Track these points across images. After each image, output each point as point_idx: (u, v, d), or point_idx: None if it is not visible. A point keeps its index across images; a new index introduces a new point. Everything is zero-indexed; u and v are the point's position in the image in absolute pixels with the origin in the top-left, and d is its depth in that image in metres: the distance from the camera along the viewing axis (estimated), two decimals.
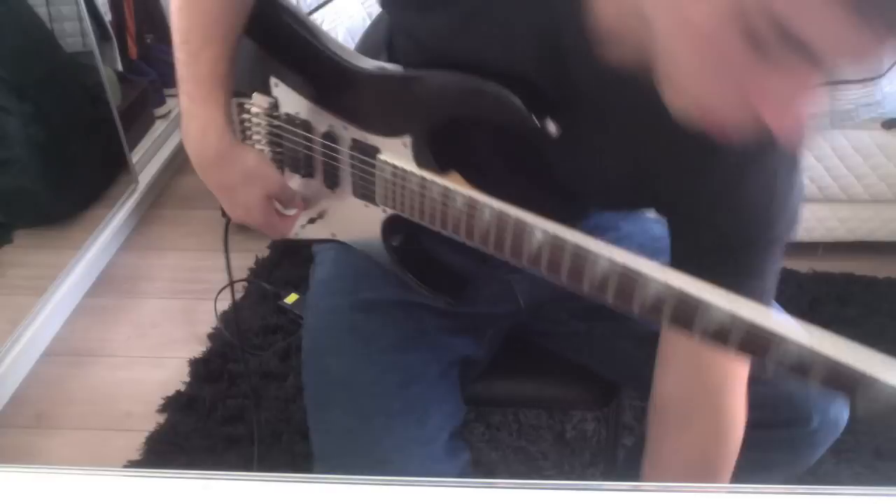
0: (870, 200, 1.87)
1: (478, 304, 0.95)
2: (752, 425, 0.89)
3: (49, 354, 1.82)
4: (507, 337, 1.03)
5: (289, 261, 2.03)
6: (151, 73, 2.55)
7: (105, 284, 2.04)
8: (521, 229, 0.70)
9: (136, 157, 2.32)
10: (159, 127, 2.53)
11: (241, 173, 0.82)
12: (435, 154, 0.76)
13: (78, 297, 1.98)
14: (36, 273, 1.96)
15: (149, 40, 2.58)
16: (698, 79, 0.57)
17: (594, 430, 1.54)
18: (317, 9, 1.72)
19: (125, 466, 1.52)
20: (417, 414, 0.86)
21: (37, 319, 1.82)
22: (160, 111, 2.58)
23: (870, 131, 1.79)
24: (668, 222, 0.80)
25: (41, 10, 2.11)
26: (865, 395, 0.58)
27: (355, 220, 0.89)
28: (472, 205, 0.73)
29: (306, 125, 0.86)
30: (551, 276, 0.71)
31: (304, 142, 0.87)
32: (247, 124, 0.93)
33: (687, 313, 0.63)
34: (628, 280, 0.65)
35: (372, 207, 0.85)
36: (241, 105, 0.92)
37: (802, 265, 1.92)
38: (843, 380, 0.58)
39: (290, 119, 0.86)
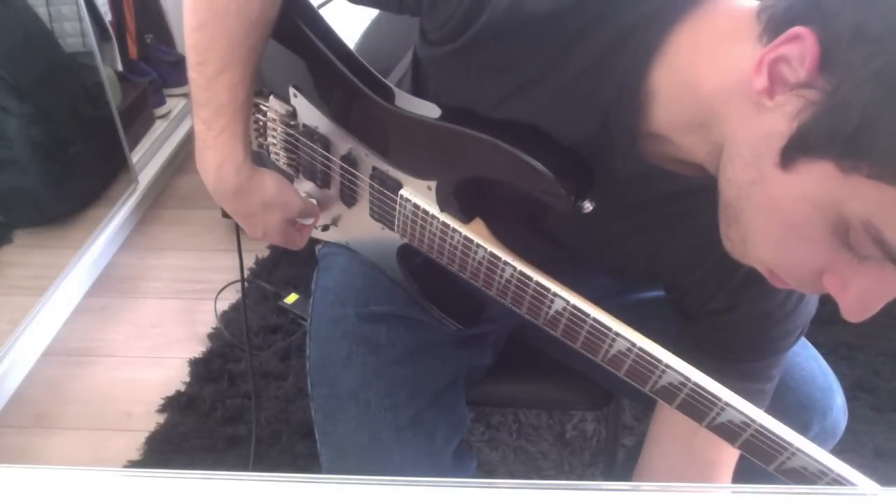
0: None
1: (484, 324, 0.95)
2: None
3: (49, 354, 1.82)
4: (508, 339, 1.03)
5: (289, 261, 2.03)
6: (151, 73, 2.55)
7: (105, 284, 2.04)
8: (541, 294, 0.69)
9: (136, 157, 2.32)
10: (159, 127, 2.53)
11: (261, 203, 0.79)
12: (460, 202, 0.73)
13: (78, 297, 1.97)
14: (36, 273, 1.96)
15: (149, 40, 2.57)
16: (773, 248, 0.55)
17: (594, 430, 1.54)
18: (324, 4, 1.72)
19: (125, 466, 1.52)
20: (427, 427, 0.85)
21: (37, 319, 1.82)
22: (160, 111, 2.58)
23: None
24: (677, 307, 0.80)
25: (41, 10, 2.11)
26: None
27: (371, 237, 0.86)
28: (493, 260, 0.71)
29: (325, 142, 0.83)
30: (565, 340, 0.70)
31: (322, 158, 0.84)
32: (261, 125, 0.91)
33: (700, 408, 0.63)
34: (645, 364, 0.65)
35: (388, 231, 0.83)
36: (256, 105, 0.89)
37: None
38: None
39: (309, 132, 0.83)
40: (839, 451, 1.44)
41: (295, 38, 0.78)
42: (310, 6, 0.79)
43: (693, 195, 0.64)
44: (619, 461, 1.25)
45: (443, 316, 0.89)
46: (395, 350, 0.89)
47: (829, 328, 1.73)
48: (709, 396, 0.62)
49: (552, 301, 0.69)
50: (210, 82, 0.71)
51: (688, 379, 0.63)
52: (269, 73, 0.85)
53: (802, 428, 0.86)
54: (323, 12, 0.88)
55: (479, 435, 1.53)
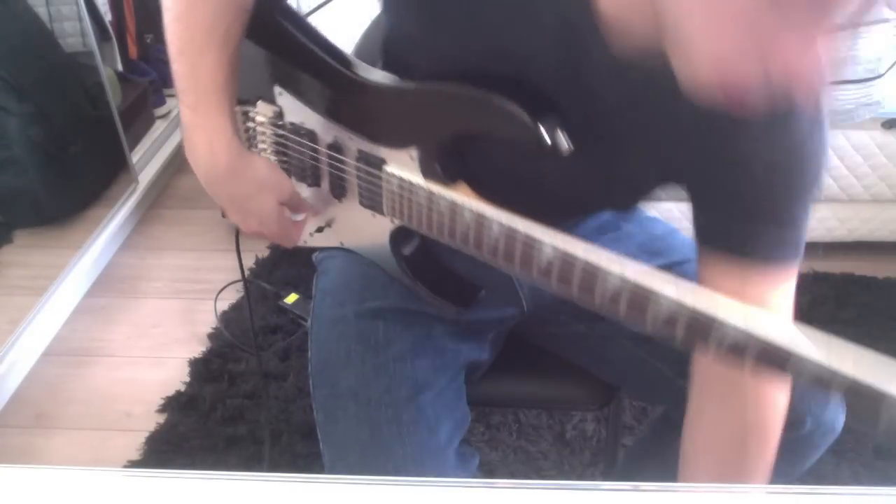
0: (870, 200, 1.87)
1: (483, 311, 0.95)
2: None
3: (49, 354, 1.82)
4: (507, 337, 1.04)
5: (288, 261, 2.03)
6: (151, 73, 2.55)
7: (105, 284, 2.04)
8: (530, 245, 0.70)
9: (136, 157, 2.32)
10: (159, 127, 2.53)
11: (254, 183, 0.80)
12: (442, 166, 0.75)
13: (78, 297, 1.97)
14: (36, 273, 1.96)
15: (149, 40, 2.58)
16: (709, 38, 0.55)
17: (594, 430, 1.54)
18: (316, 9, 1.72)
19: (125, 466, 1.52)
20: (428, 423, 0.85)
21: (37, 319, 1.82)
22: (160, 111, 2.58)
23: (870, 131, 1.79)
24: (692, 196, 0.78)
25: (41, 10, 2.11)
26: (887, 414, 0.57)
27: (363, 229, 0.88)
28: (480, 219, 0.73)
29: (312, 135, 0.85)
30: (561, 290, 0.70)
31: (311, 152, 0.86)
32: (251, 133, 0.92)
33: (701, 330, 0.62)
34: (640, 297, 0.64)
35: (379, 217, 0.85)
36: (245, 113, 0.91)
37: (802, 265, 1.91)
38: (864, 398, 0.58)
39: (296, 129, 0.86)
40: (840, 451, 1.44)
41: (275, 34, 0.82)
42: (286, 5, 0.83)
43: (667, 92, 0.63)
44: (619, 461, 1.25)
45: (438, 299, 0.89)
46: (393, 346, 0.89)
47: (828, 328, 1.72)
48: (706, 318, 0.61)
49: (541, 249, 0.69)
50: (191, 68, 0.75)
51: (683, 303, 0.62)
52: (254, 79, 0.87)
53: (797, 422, 0.86)
54: (324, 13, 0.91)
55: (479, 435, 1.53)
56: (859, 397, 0.59)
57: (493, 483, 0.53)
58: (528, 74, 0.68)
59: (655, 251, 0.96)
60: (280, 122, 0.87)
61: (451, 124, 0.73)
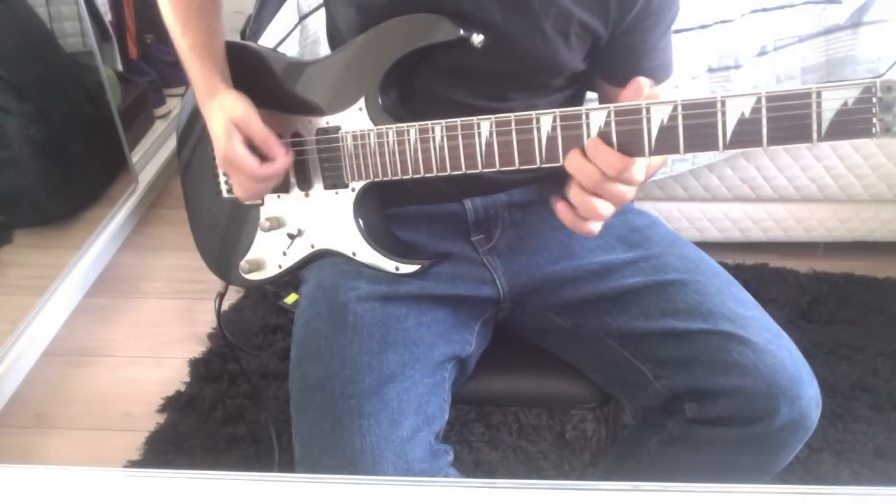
0: (870, 200, 1.87)
1: (457, 284, 0.96)
2: (714, 423, 0.89)
3: (49, 354, 1.82)
4: (499, 335, 1.04)
5: None
6: (151, 73, 2.55)
7: (105, 284, 2.04)
8: (469, 128, 0.81)
9: (136, 157, 2.32)
10: (159, 127, 2.53)
11: (217, 105, 0.90)
12: (385, 107, 0.88)
13: (78, 297, 1.98)
14: (36, 273, 1.96)
15: (149, 40, 2.58)
16: None
17: (594, 430, 1.54)
18: (316, 9, 1.72)
19: (125, 466, 1.52)
20: (392, 415, 0.86)
21: (37, 319, 1.82)
22: (160, 111, 2.58)
23: None
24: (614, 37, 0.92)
25: (41, 10, 2.11)
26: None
27: (329, 216, 0.94)
28: (423, 132, 0.84)
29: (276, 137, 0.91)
30: (506, 157, 0.80)
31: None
32: (223, 171, 0.99)
33: (635, 128, 0.74)
34: (573, 123, 0.76)
35: (342, 193, 0.93)
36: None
37: (802, 265, 1.92)
38: (784, 100, 0.70)
39: None
40: (840, 451, 1.44)
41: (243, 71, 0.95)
42: (241, 44, 1.02)
43: None
44: (609, 455, 1.25)
45: (404, 260, 0.93)
46: (361, 339, 0.90)
47: (829, 328, 1.73)
48: (632, 109, 0.73)
49: (479, 129, 0.80)
50: (179, 35, 0.96)
51: (608, 109, 0.74)
52: None
53: (769, 414, 0.87)
54: (321, 14, 1.01)
55: (480, 435, 1.53)
56: (779, 100, 0.70)
57: (493, 483, 0.53)
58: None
59: (633, 243, 0.98)
60: None
61: (387, 56, 0.87)
